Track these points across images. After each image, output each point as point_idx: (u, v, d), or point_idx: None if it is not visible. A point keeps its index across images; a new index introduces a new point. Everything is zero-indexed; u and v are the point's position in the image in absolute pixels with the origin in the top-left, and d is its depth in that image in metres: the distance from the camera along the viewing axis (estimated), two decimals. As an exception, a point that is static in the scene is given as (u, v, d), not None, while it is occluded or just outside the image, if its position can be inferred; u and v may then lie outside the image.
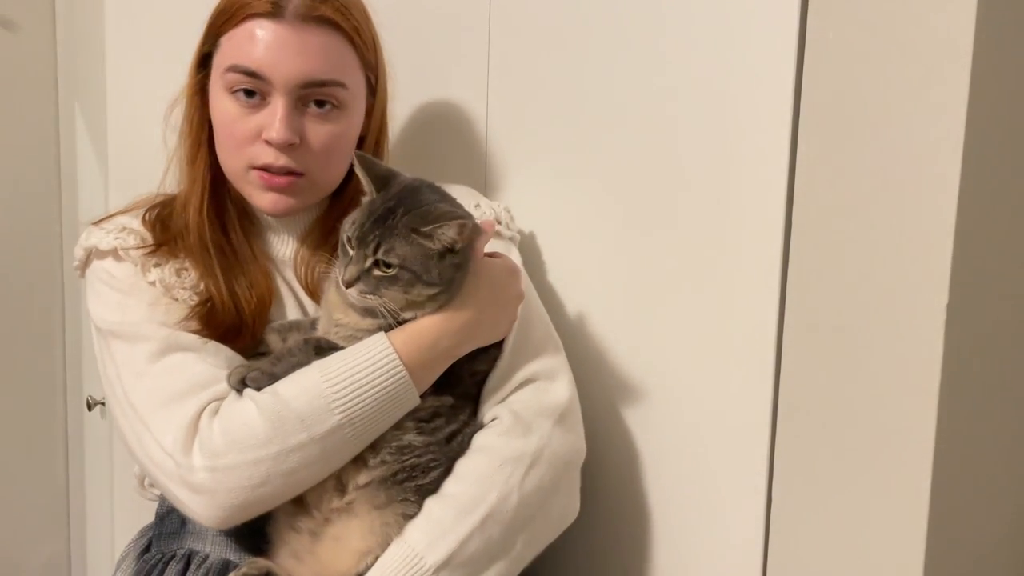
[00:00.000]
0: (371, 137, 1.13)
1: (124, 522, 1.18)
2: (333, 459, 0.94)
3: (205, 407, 0.94)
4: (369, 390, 0.93)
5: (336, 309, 1.00)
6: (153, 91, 1.11)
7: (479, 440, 1.00)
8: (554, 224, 1.19)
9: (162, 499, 1.11)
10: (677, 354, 1.07)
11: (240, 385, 0.96)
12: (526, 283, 1.08)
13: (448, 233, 0.93)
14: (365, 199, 0.98)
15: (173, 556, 1.05)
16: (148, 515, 1.15)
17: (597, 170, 1.13)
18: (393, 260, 0.92)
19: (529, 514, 0.99)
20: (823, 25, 0.89)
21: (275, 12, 1.00)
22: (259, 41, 1.01)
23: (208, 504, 0.92)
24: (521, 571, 1.01)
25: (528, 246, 1.22)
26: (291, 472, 0.92)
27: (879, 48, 0.84)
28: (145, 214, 1.09)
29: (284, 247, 1.12)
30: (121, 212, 1.11)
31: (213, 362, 0.99)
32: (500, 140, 1.25)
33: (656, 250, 1.07)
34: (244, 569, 0.96)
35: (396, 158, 1.24)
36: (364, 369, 0.93)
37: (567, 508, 1.05)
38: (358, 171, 0.98)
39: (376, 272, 0.93)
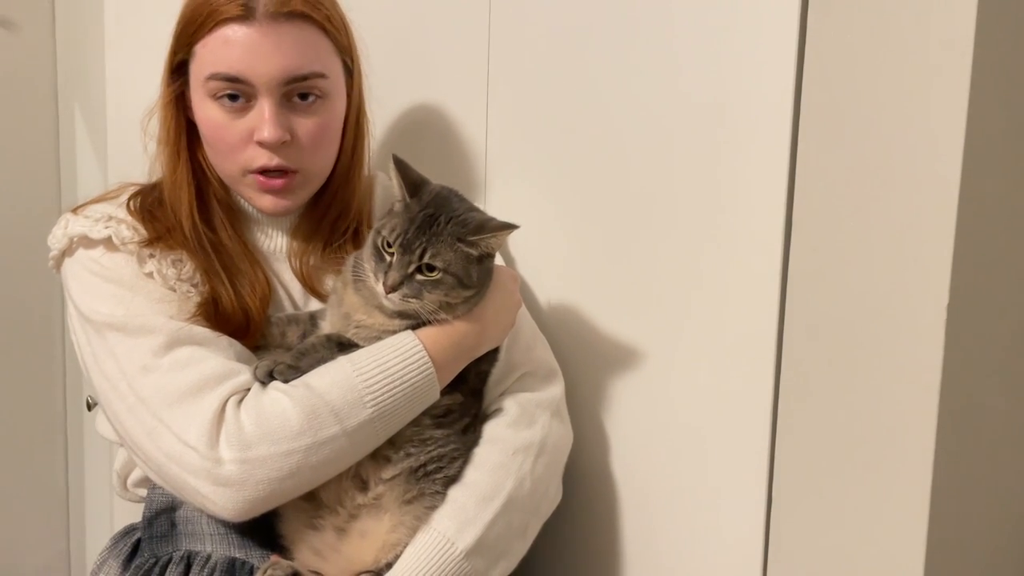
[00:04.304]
0: (352, 117, 1.12)
1: (124, 522, 1.17)
2: (358, 453, 0.96)
3: (227, 400, 0.94)
4: (399, 385, 0.95)
5: (357, 311, 1.01)
6: (152, 91, 1.11)
7: (489, 430, 1.04)
8: (554, 224, 1.19)
9: (150, 501, 1.07)
10: (677, 354, 1.07)
11: (268, 378, 0.97)
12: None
13: (495, 241, 0.98)
14: (397, 205, 1.00)
15: (170, 559, 1.01)
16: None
17: (597, 170, 1.13)
18: (438, 264, 0.96)
19: (539, 498, 1.05)
20: (823, 25, 0.88)
21: (246, 14, 1.00)
22: (235, 45, 1.00)
23: (232, 497, 0.91)
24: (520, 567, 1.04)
25: (527, 246, 1.22)
26: (318, 465, 0.93)
27: (879, 48, 0.84)
28: (128, 202, 1.08)
29: (272, 241, 1.13)
30: (97, 200, 1.10)
31: (226, 355, 0.99)
32: (500, 141, 1.25)
33: (657, 250, 1.07)
34: (270, 571, 0.95)
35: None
36: (394, 364, 0.96)
37: (558, 493, 1.10)
38: (393, 173, 1.00)
39: (419, 277, 0.96)
